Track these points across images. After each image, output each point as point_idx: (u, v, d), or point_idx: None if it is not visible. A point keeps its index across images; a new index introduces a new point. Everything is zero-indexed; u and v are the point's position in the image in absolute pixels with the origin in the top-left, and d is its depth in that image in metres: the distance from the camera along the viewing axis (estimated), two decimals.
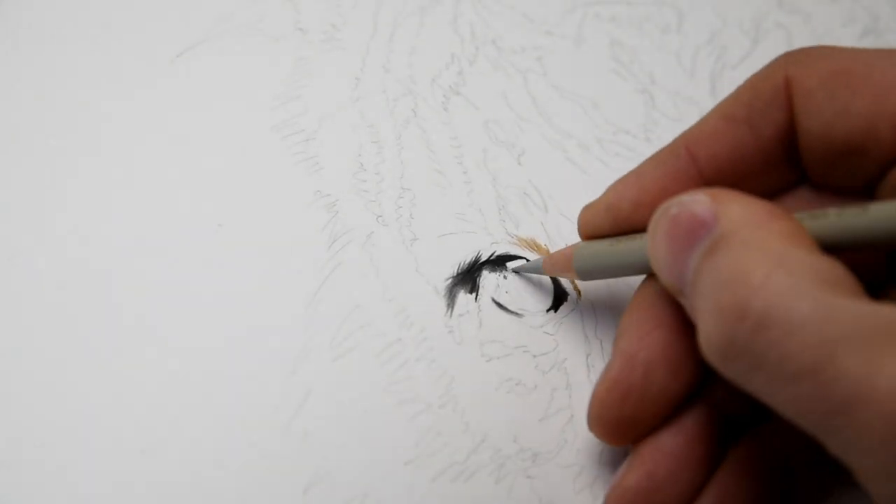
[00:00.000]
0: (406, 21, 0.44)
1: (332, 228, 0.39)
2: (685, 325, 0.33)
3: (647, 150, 0.44)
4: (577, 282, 0.41)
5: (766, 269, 0.27)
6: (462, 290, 0.39)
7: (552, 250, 0.41)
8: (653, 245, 0.32)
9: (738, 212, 0.29)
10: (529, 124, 0.44)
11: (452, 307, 0.39)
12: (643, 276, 0.36)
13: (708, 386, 0.34)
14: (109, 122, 0.39)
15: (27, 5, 0.41)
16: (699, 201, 0.30)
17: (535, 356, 0.39)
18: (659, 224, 0.32)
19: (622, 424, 0.34)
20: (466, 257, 0.40)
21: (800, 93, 0.33)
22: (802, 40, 0.50)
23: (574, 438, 0.38)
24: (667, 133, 0.45)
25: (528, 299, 0.40)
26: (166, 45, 0.41)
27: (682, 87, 0.47)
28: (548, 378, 0.38)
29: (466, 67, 0.44)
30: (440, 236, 0.40)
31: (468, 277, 0.39)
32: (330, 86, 0.42)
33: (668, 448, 0.34)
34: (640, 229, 0.35)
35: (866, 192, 0.33)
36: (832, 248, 0.29)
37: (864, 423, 0.24)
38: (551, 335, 0.39)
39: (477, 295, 0.39)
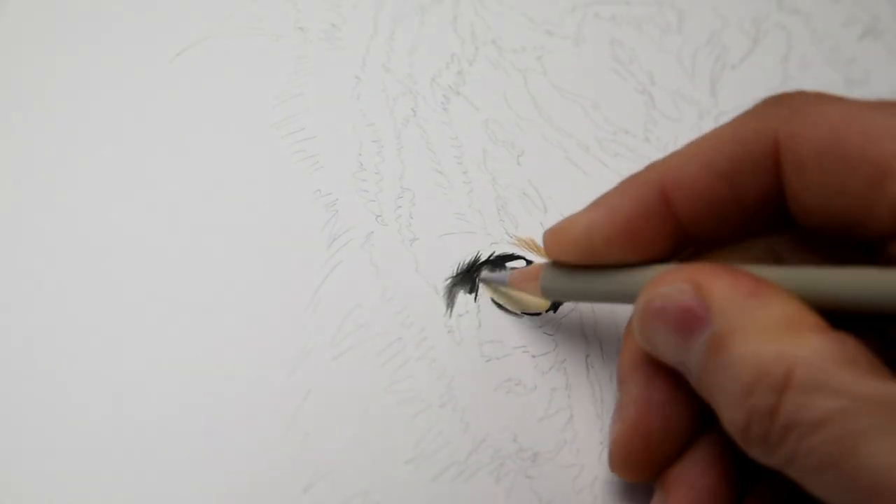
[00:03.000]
0: (406, 21, 0.44)
1: (332, 228, 0.39)
2: None
3: (646, 150, 0.44)
4: None
5: (784, 365, 0.27)
6: (461, 290, 0.39)
7: None
8: (643, 337, 0.33)
9: (727, 299, 0.29)
10: (529, 124, 0.44)
11: (452, 307, 0.39)
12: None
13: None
14: (109, 121, 0.39)
15: (29, 4, 0.41)
16: (683, 290, 0.30)
17: (534, 356, 0.39)
18: (645, 318, 0.32)
19: (646, 464, 0.34)
20: (466, 257, 0.40)
21: (791, 161, 0.31)
22: (803, 40, 0.50)
23: (574, 438, 0.38)
24: (666, 133, 0.45)
25: (528, 300, 0.40)
26: (167, 44, 0.41)
27: (682, 87, 0.47)
28: (547, 378, 0.38)
29: (466, 67, 0.44)
30: (440, 236, 0.40)
31: (467, 277, 0.39)
32: (330, 84, 0.42)
33: (694, 478, 0.34)
34: (609, 263, 0.34)
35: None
36: (827, 306, 0.29)
37: None
38: (550, 335, 0.39)
39: (476, 295, 0.39)
